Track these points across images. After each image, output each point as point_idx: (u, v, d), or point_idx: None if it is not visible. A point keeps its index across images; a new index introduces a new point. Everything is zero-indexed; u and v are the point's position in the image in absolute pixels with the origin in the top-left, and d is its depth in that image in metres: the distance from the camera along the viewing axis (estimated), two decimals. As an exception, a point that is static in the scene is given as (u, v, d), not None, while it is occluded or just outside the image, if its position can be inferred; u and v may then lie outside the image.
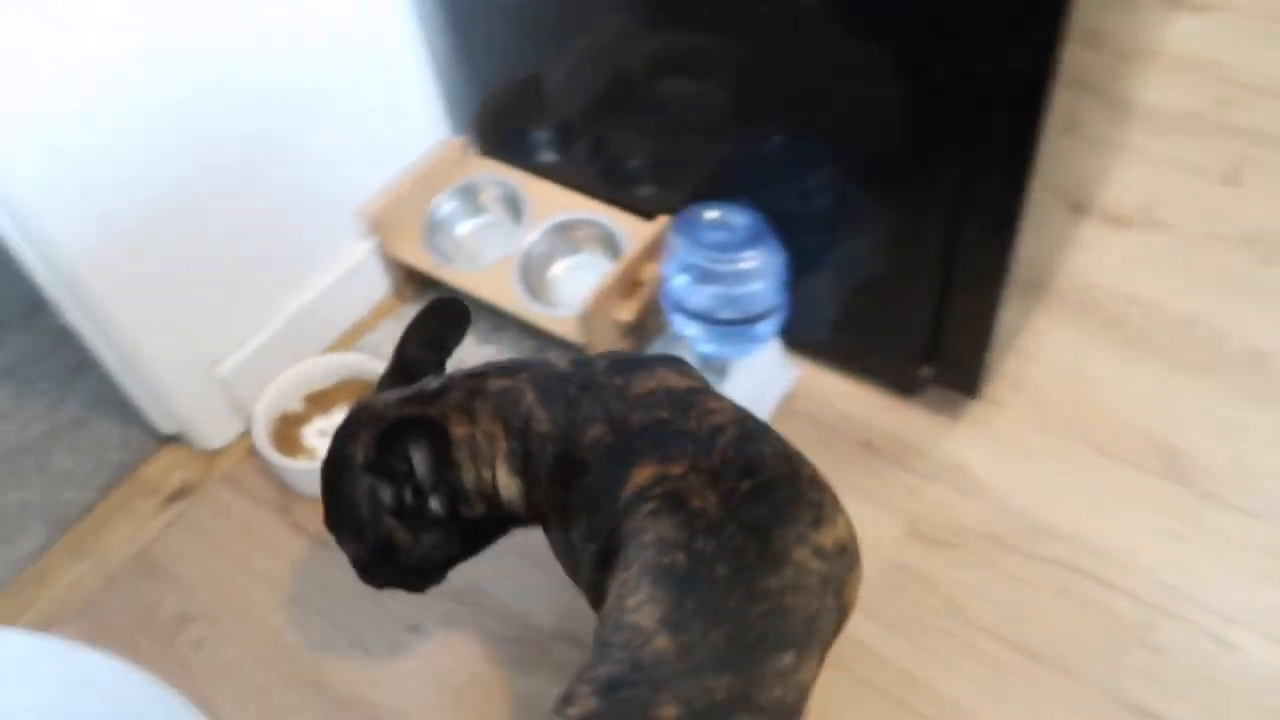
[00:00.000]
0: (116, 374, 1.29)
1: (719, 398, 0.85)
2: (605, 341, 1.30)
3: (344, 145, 1.37)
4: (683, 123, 1.32)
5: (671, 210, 1.35)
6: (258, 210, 1.29)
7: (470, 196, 1.49)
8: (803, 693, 0.72)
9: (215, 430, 1.35)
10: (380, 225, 1.42)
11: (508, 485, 0.86)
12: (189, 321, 1.26)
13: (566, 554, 0.87)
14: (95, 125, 1.07)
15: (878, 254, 1.22)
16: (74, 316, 1.19)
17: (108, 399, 1.42)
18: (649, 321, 1.35)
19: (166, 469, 1.36)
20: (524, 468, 0.85)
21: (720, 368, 1.27)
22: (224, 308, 1.30)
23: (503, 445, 0.85)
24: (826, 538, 0.76)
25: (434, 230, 1.45)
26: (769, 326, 1.22)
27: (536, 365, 0.89)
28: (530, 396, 0.86)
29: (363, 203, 1.42)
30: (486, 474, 0.86)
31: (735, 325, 1.21)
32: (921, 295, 1.20)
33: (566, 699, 0.68)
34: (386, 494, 0.87)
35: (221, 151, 1.21)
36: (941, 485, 1.22)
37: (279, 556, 1.26)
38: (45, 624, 1.22)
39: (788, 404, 1.32)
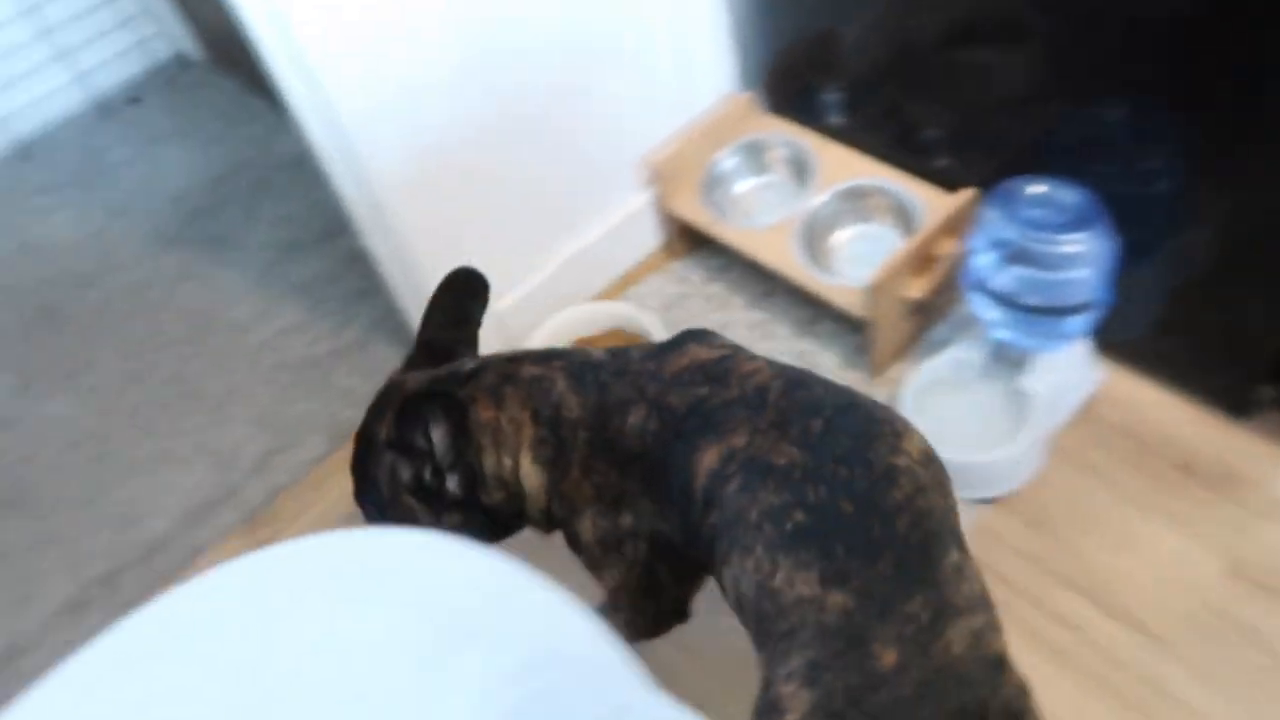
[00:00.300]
0: (401, 300, 1.34)
1: (753, 357, 0.82)
2: (890, 317, 1.21)
3: (632, 95, 1.35)
4: (993, 90, 1.19)
5: (974, 183, 1.23)
6: (546, 155, 1.29)
7: (754, 154, 1.43)
8: (983, 580, 0.69)
9: (484, 366, 1.38)
10: (660, 177, 1.39)
11: (529, 474, 0.84)
12: (472, 257, 1.27)
13: (607, 542, 0.83)
14: (423, 66, 1.10)
15: (1226, 250, 1.05)
16: (373, 241, 1.24)
17: (387, 325, 1.48)
18: (939, 300, 1.24)
19: (435, 398, 1.40)
20: (554, 458, 0.83)
21: (1017, 359, 1.15)
22: (506, 247, 1.32)
23: (529, 433, 0.83)
24: (913, 447, 0.73)
25: (712, 185, 1.41)
26: (1082, 322, 1.09)
27: (572, 354, 0.87)
28: (561, 384, 0.83)
29: (645, 153, 1.39)
30: (508, 461, 0.84)
31: (1043, 314, 1.08)
32: (1276, 304, 1.03)
33: (772, 708, 0.63)
34: (405, 472, 0.85)
35: (521, 97, 1.22)
36: (1276, 525, 1.05)
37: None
38: (317, 528, 1.29)
39: (1089, 410, 1.18)
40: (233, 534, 1.30)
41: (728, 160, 1.42)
